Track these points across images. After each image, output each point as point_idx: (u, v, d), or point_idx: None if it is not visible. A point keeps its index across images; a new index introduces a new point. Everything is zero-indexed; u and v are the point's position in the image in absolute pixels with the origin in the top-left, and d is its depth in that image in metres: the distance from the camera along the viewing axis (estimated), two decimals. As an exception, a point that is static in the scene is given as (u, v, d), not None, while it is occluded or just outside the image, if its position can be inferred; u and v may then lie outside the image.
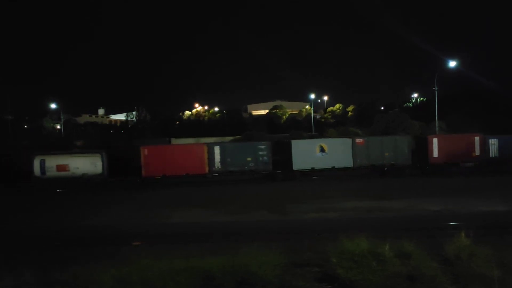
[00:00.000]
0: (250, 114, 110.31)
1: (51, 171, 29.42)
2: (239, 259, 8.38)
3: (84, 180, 29.65)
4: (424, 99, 79.40)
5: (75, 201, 25.36)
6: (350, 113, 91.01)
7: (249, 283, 7.77)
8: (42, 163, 29.41)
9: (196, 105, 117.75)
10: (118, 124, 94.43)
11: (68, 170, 29.55)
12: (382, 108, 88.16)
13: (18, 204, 24.98)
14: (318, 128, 68.55)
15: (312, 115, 77.77)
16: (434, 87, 45.22)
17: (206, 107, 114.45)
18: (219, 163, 30.82)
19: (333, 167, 31.56)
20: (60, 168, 29.50)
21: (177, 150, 32.26)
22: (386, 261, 8.20)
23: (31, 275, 8.35)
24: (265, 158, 31.17)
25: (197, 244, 12.85)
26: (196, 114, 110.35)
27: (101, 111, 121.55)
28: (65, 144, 47.63)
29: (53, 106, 66.46)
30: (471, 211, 17.60)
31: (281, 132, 61.18)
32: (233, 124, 73.54)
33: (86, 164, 29.74)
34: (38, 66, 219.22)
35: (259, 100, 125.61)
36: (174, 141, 53.53)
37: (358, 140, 32.68)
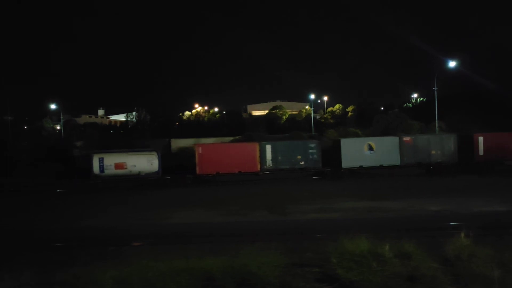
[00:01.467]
0: (250, 114, 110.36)
1: (110, 169, 30.30)
2: (239, 260, 8.39)
3: (141, 178, 30.73)
4: (424, 100, 79.45)
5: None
6: (350, 114, 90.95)
7: (249, 284, 7.76)
8: (101, 161, 30.22)
9: (196, 105, 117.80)
10: (118, 125, 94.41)
11: (126, 168, 30.46)
12: (382, 108, 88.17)
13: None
14: (318, 128, 68.55)
15: (312, 116, 77.78)
16: (434, 87, 45.25)
17: (206, 108, 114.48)
18: (270, 161, 31.91)
19: (381, 165, 32.38)
20: (118, 166, 30.40)
21: (230, 148, 33.77)
22: (386, 261, 8.20)
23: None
24: (315, 156, 32.28)
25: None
26: (196, 114, 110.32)
27: (101, 112, 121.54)
28: (65, 145, 47.68)
29: (52, 106, 66.48)
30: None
31: (281, 132, 61.21)
32: (233, 125, 73.51)
33: (143, 162, 30.68)
34: (38, 67, 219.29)
35: (259, 100, 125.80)
36: (174, 141, 53.57)
37: (406, 138, 33.49)
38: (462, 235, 9.25)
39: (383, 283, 7.65)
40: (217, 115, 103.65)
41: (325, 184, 29.31)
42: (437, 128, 46.05)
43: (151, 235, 15.43)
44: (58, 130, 70.93)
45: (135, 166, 30.38)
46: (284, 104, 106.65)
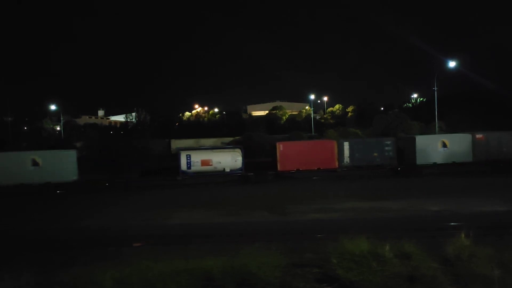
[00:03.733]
0: (250, 115, 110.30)
1: (196, 166, 31.31)
2: (239, 260, 8.38)
3: (225, 174, 31.84)
4: (424, 100, 79.47)
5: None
6: (350, 114, 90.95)
7: (249, 284, 7.76)
8: (189, 158, 31.24)
9: (196, 106, 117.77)
10: (118, 126, 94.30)
11: (211, 165, 31.48)
12: (382, 108, 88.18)
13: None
14: (318, 128, 68.52)
15: (312, 116, 77.79)
16: (434, 87, 45.23)
17: (205, 108, 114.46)
18: (348, 158, 32.71)
19: (453, 162, 32.89)
20: (204, 162, 31.44)
21: (310, 146, 34.68)
22: (386, 261, 8.20)
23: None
24: (390, 153, 33.00)
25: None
26: (195, 115, 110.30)
27: (100, 113, 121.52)
28: (65, 146, 47.63)
29: (52, 107, 66.48)
30: None
31: (281, 132, 61.17)
32: (233, 125, 73.45)
33: (228, 159, 31.62)
34: (38, 67, 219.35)
35: (258, 101, 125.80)
36: (174, 142, 53.58)
37: (478, 135, 33.89)
38: (463, 235, 9.25)
39: (383, 283, 7.65)
40: (217, 116, 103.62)
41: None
42: (437, 128, 46.01)
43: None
44: (58, 130, 70.93)
45: (220, 162, 31.46)
46: (284, 104, 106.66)
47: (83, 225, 18.13)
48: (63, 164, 30.21)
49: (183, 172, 31.23)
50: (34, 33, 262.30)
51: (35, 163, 29.67)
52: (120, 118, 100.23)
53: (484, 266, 7.90)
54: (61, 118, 65.94)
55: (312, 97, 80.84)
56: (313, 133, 62.30)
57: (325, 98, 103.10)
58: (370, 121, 55.70)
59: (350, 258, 8.20)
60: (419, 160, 32.61)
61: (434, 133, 44.45)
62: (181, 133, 71.10)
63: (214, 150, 32.60)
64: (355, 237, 8.86)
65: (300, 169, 32.04)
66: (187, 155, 31.32)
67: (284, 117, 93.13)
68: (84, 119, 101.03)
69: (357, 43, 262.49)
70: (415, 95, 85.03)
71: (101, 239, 15.19)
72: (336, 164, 32.45)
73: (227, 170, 31.45)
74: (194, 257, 8.86)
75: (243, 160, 31.55)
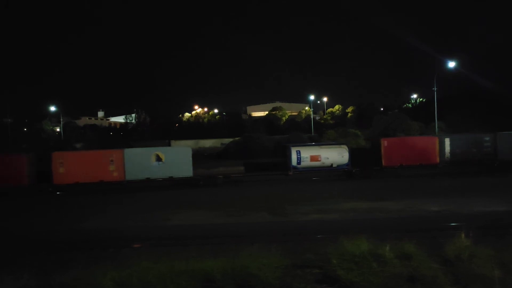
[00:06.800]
0: (250, 115, 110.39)
1: (306, 161, 32.15)
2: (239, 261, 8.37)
3: (333, 169, 32.75)
4: (424, 100, 79.53)
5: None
6: (349, 114, 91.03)
7: (250, 285, 7.75)
8: (299, 154, 32.09)
9: (196, 107, 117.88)
10: (118, 127, 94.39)
11: (319, 160, 32.28)
12: (382, 109, 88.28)
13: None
14: (317, 129, 68.56)
15: (312, 116, 77.84)
16: (434, 87, 45.30)
17: (205, 109, 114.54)
18: (449, 154, 33.10)
19: None
20: (313, 158, 32.29)
21: (413, 142, 34.88)
22: (386, 262, 8.20)
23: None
24: (489, 149, 33.43)
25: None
26: (195, 116, 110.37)
27: (100, 114, 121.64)
28: (65, 147, 47.64)
29: (52, 109, 66.55)
30: None
31: (281, 133, 61.20)
32: (232, 126, 73.49)
33: (335, 155, 32.43)
34: (38, 69, 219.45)
35: (258, 101, 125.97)
36: (174, 143, 53.61)
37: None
38: (463, 235, 9.25)
39: (384, 284, 7.64)
40: (217, 117, 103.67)
41: None
42: (436, 128, 46.06)
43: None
44: (58, 132, 70.97)
45: (328, 158, 32.26)
46: (283, 105, 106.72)
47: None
48: (182, 160, 30.91)
49: (294, 167, 32.18)
50: (34, 35, 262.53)
51: (158, 159, 30.51)
52: (120, 119, 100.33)
53: (485, 267, 7.90)
54: (61, 119, 65.97)
55: (312, 97, 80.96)
56: (312, 134, 62.35)
57: (325, 99, 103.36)
58: (370, 121, 55.76)
59: (350, 259, 8.20)
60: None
61: (434, 133, 44.47)
62: (181, 134, 71.17)
63: (322, 146, 33.78)
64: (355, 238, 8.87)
65: (404, 164, 32.95)
66: (297, 150, 32.36)
67: (283, 118, 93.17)
68: (84, 120, 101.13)
69: (357, 44, 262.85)
70: (414, 96, 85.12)
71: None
72: (438, 159, 33.15)
73: (334, 165, 32.49)
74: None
75: (349, 156, 32.57)
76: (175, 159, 30.92)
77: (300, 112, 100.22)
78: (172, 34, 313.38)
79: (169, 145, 52.00)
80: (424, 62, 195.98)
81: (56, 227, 18.25)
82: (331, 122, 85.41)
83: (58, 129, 72.10)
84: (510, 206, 18.37)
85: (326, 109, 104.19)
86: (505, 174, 30.61)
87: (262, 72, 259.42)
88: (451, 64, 45.22)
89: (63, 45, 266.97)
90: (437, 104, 44.82)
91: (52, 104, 66.86)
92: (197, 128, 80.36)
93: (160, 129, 74.40)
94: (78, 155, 32.11)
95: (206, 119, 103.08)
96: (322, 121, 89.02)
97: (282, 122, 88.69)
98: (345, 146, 33.18)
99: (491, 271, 7.66)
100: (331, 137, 48.73)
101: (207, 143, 59.37)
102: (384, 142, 33.33)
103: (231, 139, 53.90)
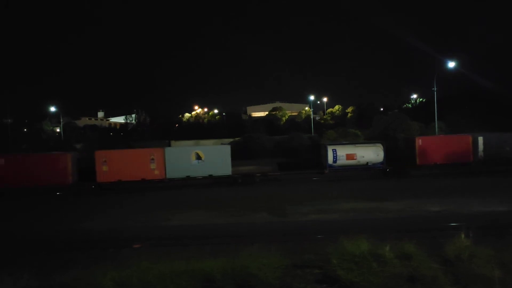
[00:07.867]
0: (250, 116, 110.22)
1: (341, 160, 32.72)
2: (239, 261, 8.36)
3: (368, 168, 33.16)
4: (424, 100, 79.44)
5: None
6: (349, 114, 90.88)
7: (250, 285, 7.74)
8: (335, 152, 32.61)
9: (196, 107, 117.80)
10: (118, 127, 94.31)
11: (355, 159, 32.81)
12: (382, 109, 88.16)
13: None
14: (317, 129, 68.46)
15: (312, 117, 77.76)
16: (434, 87, 45.24)
17: (205, 109, 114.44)
18: (482, 152, 33.48)
19: None
20: (349, 157, 32.84)
21: (447, 140, 35.33)
22: (386, 262, 8.19)
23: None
24: None
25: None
26: (195, 116, 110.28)
27: (100, 114, 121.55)
28: (64, 147, 47.61)
29: (52, 109, 66.49)
30: None
31: (281, 133, 61.11)
32: (232, 126, 73.39)
33: (370, 154, 32.95)
34: (38, 69, 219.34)
35: (258, 102, 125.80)
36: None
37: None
38: (463, 235, 9.24)
39: (384, 284, 7.64)
40: (217, 117, 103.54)
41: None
42: (436, 128, 46.00)
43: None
44: (58, 132, 70.91)
45: (363, 157, 32.79)
46: (283, 105, 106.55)
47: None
48: (221, 159, 31.26)
49: (330, 165, 32.55)
50: (34, 35, 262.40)
51: (198, 157, 30.94)
52: (120, 119, 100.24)
53: (485, 267, 7.89)
54: (61, 120, 65.90)
55: (312, 98, 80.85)
56: (312, 134, 62.25)
57: (325, 99, 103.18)
58: (369, 121, 55.65)
59: (350, 259, 8.20)
60: None
61: (434, 133, 44.42)
62: (181, 134, 71.04)
63: (357, 145, 34.20)
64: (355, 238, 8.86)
65: (437, 163, 33.26)
66: (333, 149, 32.72)
67: (283, 118, 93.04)
68: (84, 121, 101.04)
69: (357, 44, 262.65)
70: (414, 96, 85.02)
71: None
72: (471, 157, 33.44)
73: (370, 164, 32.84)
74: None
75: (384, 154, 32.81)
76: (215, 157, 31.24)
77: (300, 112, 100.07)
78: (172, 34, 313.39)
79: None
80: (424, 62, 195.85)
81: (56, 227, 18.31)
82: (331, 122, 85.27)
83: (58, 130, 72.02)
84: None
85: (326, 109, 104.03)
86: None
87: (262, 72, 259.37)
88: (451, 64, 45.14)
89: (63, 45, 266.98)
90: (437, 104, 44.76)
91: (52, 104, 66.80)
92: (197, 129, 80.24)
93: (160, 129, 74.29)
94: (121, 154, 32.26)
95: (206, 119, 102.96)
96: (322, 121, 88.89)
97: (282, 122, 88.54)
98: (380, 145, 33.45)
99: (491, 271, 7.66)
100: (331, 137, 48.66)
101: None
102: (419, 141, 33.75)
103: (231, 139, 53.80)
